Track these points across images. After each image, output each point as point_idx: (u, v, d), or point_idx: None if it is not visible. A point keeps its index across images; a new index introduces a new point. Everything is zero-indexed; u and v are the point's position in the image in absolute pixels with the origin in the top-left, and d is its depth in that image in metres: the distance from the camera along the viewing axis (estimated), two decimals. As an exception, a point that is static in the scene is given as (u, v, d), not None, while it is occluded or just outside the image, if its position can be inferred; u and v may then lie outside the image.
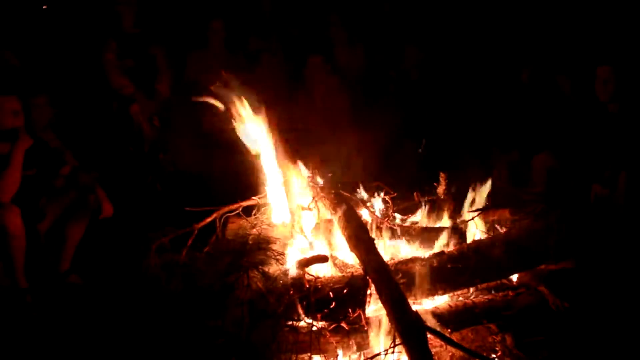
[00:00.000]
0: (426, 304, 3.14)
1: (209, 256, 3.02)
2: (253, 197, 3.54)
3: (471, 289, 3.23)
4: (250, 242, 2.99)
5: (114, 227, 4.03)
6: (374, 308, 2.96)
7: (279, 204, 3.46)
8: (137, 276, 3.09)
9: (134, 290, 3.08)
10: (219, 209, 3.54)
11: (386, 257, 3.09)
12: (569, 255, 3.18)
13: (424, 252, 3.22)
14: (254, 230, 3.30)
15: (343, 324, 2.88)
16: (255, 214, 3.52)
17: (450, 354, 2.97)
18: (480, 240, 3.25)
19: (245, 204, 3.57)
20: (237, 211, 3.52)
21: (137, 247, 3.19)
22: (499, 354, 3.00)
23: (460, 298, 3.20)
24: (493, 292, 3.25)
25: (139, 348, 2.79)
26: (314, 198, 3.38)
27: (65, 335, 3.10)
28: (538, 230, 3.18)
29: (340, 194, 3.31)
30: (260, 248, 2.86)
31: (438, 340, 2.87)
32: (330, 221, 3.30)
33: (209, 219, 3.44)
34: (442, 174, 3.52)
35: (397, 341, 2.73)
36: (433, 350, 2.74)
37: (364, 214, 3.46)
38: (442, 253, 3.10)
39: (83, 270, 3.92)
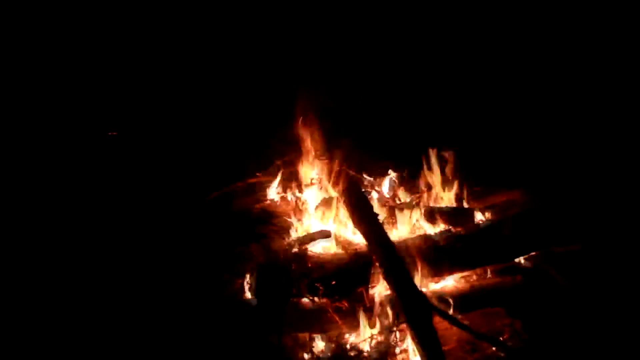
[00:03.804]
0: (432, 286, 3.05)
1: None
2: (258, 174, 3.48)
3: (479, 271, 3.13)
4: (253, 217, 2.92)
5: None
6: (378, 287, 2.89)
7: (285, 181, 3.41)
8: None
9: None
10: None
11: (392, 236, 3.01)
12: (579, 237, 3.09)
13: (431, 231, 3.13)
14: (258, 206, 3.24)
15: (345, 302, 2.81)
16: (260, 191, 3.46)
17: (456, 336, 2.89)
18: (489, 221, 3.16)
19: (251, 181, 3.51)
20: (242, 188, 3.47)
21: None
22: (506, 336, 2.91)
23: (469, 279, 3.11)
24: (502, 274, 3.15)
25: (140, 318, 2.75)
26: (319, 174, 3.31)
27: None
28: (548, 212, 3.08)
29: (345, 171, 3.24)
30: (263, 222, 2.80)
31: (444, 323, 2.84)
32: (335, 198, 3.23)
33: (214, 195, 3.39)
34: (448, 152, 3.42)
35: (401, 320, 2.70)
36: (438, 333, 2.68)
37: (372, 194, 3.39)
38: (449, 231, 3.02)
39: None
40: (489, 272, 3.13)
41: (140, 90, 4.27)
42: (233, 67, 4.33)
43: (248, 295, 2.85)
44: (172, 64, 4.44)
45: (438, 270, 2.96)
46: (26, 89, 4.23)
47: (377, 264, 2.81)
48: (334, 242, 3.01)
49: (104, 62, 4.47)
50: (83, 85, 4.35)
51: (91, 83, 4.38)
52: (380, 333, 2.72)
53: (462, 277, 3.11)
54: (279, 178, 3.48)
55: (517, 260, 3.18)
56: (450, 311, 2.79)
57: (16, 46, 4.34)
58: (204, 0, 4.78)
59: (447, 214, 3.27)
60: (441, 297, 2.89)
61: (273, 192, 3.44)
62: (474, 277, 3.12)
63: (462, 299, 2.96)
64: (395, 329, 2.71)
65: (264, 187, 3.49)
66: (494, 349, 2.80)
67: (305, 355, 2.74)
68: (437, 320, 2.80)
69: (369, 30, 4.73)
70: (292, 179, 3.45)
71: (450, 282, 3.07)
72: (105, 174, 3.67)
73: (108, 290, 2.88)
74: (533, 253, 3.16)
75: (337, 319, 2.80)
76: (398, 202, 3.37)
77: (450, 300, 2.86)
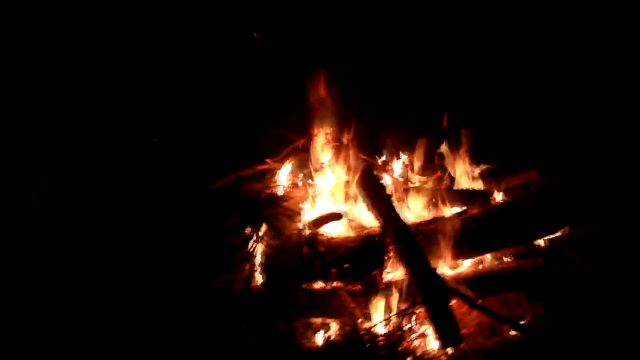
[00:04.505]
0: (449, 269, 2.95)
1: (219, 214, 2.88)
2: (267, 160, 3.39)
3: (498, 254, 3.02)
4: (262, 201, 2.84)
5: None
6: (392, 270, 2.79)
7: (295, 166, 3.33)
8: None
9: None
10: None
11: (406, 218, 2.92)
12: (600, 218, 2.97)
13: (447, 213, 3.03)
14: (267, 191, 3.16)
15: (359, 286, 2.72)
16: (269, 177, 3.38)
17: (475, 321, 2.79)
18: (506, 201, 3.05)
19: (260, 167, 3.43)
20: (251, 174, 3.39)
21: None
22: (527, 320, 2.80)
23: (487, 263, 3.00)
24: (521, 258, 3.03)
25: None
26: (330, 158, 3.23)
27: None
28: (568, 191, 2.97)
29: (357, 154, 3.16)
30: (272, 204, 2.71)
31: (462, 307, 2.74)
32: (347, 181, 3.14)
33: (223, 181, 3.31)
34: (464, 131, 3.32)
35: (418, 303, 2.60)
36: (457, 318, 2.58)
37: (385, 177, 3.30)
38: (465, 213, 2.91)
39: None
40: (508, 255, 3.03)
41: (147, 76, 4.21)
42: (240, 52, 4.25)
43: (258, 279, 2.77)
44: (177, 48, 4.38)
45: (454, 253, 2.85)
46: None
47: (392, 246, 2.72)
48: (346, 224, 2.91)
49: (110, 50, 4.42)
50: (92, 78, 4.30)
51: (103, 70, 4.32)
52: (395, 316, 2.63)
53: (480, 260, 3.00)
54: (288, 163, 3.39)
55: (537, 243, 3.07)
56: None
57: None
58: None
59: (462, 195, 3.17)
60: (459, 280, 2.80)
61: (283, 177, 3.36)
62: (493, 260, 3.01)
63: (480, 282, 2.86)
64: (411, 312, 2.62)
65: (273, 173, 3.40)
66: (513, 333, 2.70)
67: (319, 341, 2.66)
68: (456, 305, 2.72)
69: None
70: (302, 164, 3.37)
71: (468, 265, 2.96)
72: (112, 162, 3.61)
73: (120, 274, 2.82)
74: (553, 235, 3.05)
75: (350, 303, 2.71)
76: (411, 184, 3.27)
77: (468, 284, 2.77)
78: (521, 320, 2.78)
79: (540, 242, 3.07)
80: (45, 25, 4.45)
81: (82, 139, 3.81)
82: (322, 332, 2.66)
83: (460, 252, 2.87)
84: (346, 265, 2.70)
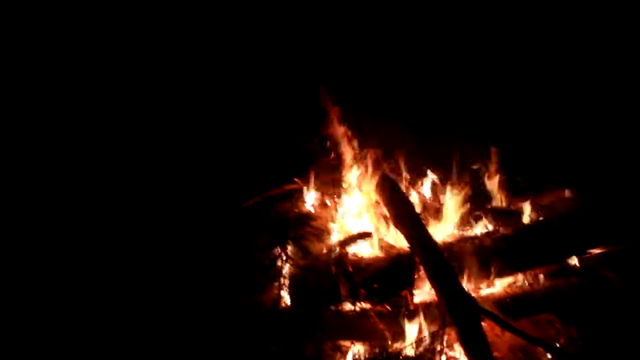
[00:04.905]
0: (480, 290, 2.90)
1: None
2: (296, 179, 3.40)
3: (529, 274, 2.96)
4: (290, 221, 2.84)
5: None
6: (422, 290, 2.76)
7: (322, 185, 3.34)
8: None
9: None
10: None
11: (435, 236, 2.88)
12: (635, 236, 2.90)
13: (476, 232, 2.99)
14: (295, 210, 3.16)
15: (388, 306, 2.69)
16: (297, 197, 3.38)
17: (508, 343, 2.73)
18: (537, 220, 3.00)
19: (289, 187, 3.44)
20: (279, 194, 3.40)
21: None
22: (562, 342, 2.73)
23: (519, 283, 2.95)
24: (554, 277, 2.97)
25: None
26: (357, 177, 3.22)
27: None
28: (601, 209, 2.91)
29: (385, 174, 3.14)
30: (301, 224, 2.71)
31: (494, 330, 2.69)
32: (375, 200, 3.13)
33: (252, 201, 3.33)
34: (493, 150, 3.28)
35: (448, 324, 2.56)
36: (488, 340, 2.52)
37: (412, 196, 3.28)
38: (495, 232, 2.88)
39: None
40: (540, 275, 2.97)
41: (178, 97, 4.28)
42: (269, 73, 4.29)
43: (286, 299, 2.76)
44: (206, 70, 4.44)
45: (485, 273, 2.81)
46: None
47: (421, 266, 2.69)
48: (375, 244, 2.89)
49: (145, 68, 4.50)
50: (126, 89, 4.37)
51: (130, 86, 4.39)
52: (425, 338, 2.59)
53: (511, 280, 2.95)
54: (316, 183, 3.40)
55: (569, 262, 3.01)
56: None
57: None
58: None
59: (493, 214, 3.13)
60: (490, 301, 2.75)
61: (311, 196, 3.37)
62: (525, 280, 2.96)
63: (512, 303, 2.82)
64: (441, 333, 2.57)
65: (302, 192, 3.41)
66: (548, 356, 2.64)
67: (348, 363, 2.63)
68: (487, 327, 2.66)
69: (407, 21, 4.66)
70: (330, 183, 3.37)
71: (499, 286, 2.91)
72: (145, 179, 3.67)
73: (147, 290, 2.84)
74: (586, 254, 2.99)
75: (379, 324, 2.68)
76: (440, 202, 3.24)
77: (499, 305, 2.72)
78: (555, 343, 2.73)
79: (574, 261, 3.03)
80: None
81: (117, 156, 3.88)
82: (350, 354, 2.63)
83: (492, 272, 2.83)
84: (375, 285, 2.68)
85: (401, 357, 2.58)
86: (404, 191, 3.16)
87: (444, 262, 2.62)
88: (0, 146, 3.79)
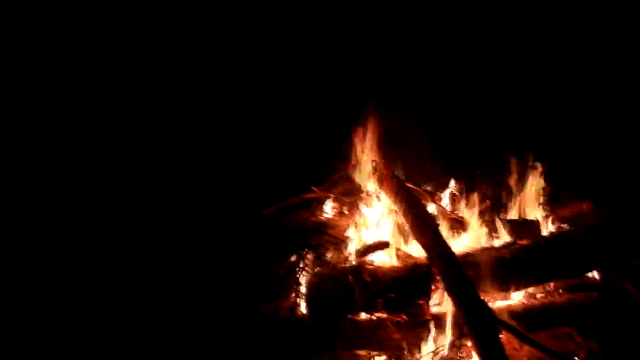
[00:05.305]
0: (497, 302, 2.88)
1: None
2: (314, 188, 3.42)
3: (549, 287, 2.93)
4: (308, 229, 2.86)
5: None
6: (440, 301, 2.75)
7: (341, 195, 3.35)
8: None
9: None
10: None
11: (453, 247, 2.87)
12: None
13: (495, 243, 2.97)
14: (313, 219, 3.18)
15: (405, 316, 2.68)
16: (316, 206, 3.40)
17: (526, 356, 2.70)
18: (558, 232, 2.97)
19: (307, 196, 3.46)
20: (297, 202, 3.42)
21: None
22: (582, 356, 2.69)
23: (537, 296, 2.92)
24: (574, 291, 2.94)
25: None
26: (376, 187, 3.23)
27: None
28: (621, 222, 2.87)
29: (403, 184, 3.14)
30: (318, 232, 2.72)
31: (512, 343, 2.67)
32: (393, 210, 3.13)
33: (270, 209, 3.35)
34: (512, 161, 3.26)
35: (466, 335, 2.54)
36: (506, 353, 2.50)
37: (431, 207, 3.28)
38: (514, 244, 2.85)
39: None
40: (560, 288, 2.94)
41: (202, 103, 4.32)
42: (292, 81, 4.31)
43: (303, 308, 2.77)
44: (230, 78, 4.48)
45: (503, 285, 2.79)
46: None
47: (439, 276, 2.69)
48: (393, 254, 2.89)
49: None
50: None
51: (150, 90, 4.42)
52: (442, 349, 2.57)
53: (530, 293, 2.92)
54: (335, 192, 3.42)
55: (590, 275, 2.97)
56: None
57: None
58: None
59: (512, 225, 3.11)
60: (508, 313, 2.73)
61: (329, 206, 3.38)
62: (544, 292, 2.93)
63: (530, 316, 2.79)
64: (459, 344, 2.56)
65: (320, 201, 3.43)
66: (568, 370, 2.61)
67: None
68: (505, 339, 2.64)
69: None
70: (348, 193, 3.38)
71: (518, 298, 2.89)
72: (165, 186, 3.71)
73: (164, 295, 2.87)
74: (606, 268, 2.95)
75: (396, 334, 2.68)
76: (459, 213, 3.23)
77: (518, 317, 2.70)
78: (575, 357, 2.69)
79: (595, 274, 2.99)
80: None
81: (139, 162, 3.93)
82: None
83: (510, 284, 2.81)
84: (391, 295, 2.68)
85: (418, 368, 2.57)
86: (422, 201, 3.17)
87: (461, 273, 2.60)
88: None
